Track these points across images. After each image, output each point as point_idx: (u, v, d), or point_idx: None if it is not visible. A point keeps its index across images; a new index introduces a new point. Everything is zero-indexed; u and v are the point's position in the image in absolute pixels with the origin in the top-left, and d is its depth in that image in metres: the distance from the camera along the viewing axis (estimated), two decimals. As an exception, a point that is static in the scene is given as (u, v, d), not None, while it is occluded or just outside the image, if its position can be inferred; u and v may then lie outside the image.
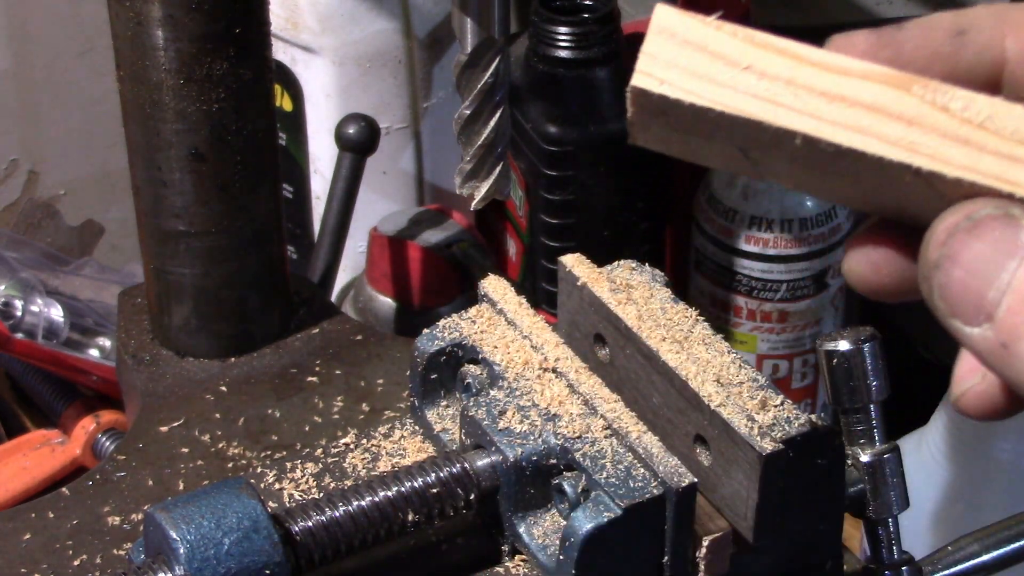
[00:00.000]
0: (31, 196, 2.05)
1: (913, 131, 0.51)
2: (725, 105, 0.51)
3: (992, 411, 0.57)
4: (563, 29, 1.29)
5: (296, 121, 1.51)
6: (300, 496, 0.84)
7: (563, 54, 1.29)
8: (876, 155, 0.50)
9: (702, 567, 0.74)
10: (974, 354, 0.50)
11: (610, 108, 1.30)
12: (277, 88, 1.36)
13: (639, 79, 0.51)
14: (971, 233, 0.49)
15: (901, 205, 0.54)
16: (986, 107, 0.51)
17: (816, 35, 1.70)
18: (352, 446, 0.85)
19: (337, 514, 0.78)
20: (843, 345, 0.77)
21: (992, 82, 0.55)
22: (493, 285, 0.86)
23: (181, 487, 0.95)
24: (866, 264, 0.55)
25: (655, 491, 0.72)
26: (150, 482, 0.96)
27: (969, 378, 0.58)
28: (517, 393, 0.78)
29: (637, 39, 1.36)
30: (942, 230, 0.50)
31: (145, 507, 0.86)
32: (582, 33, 1.29)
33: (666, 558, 0.73)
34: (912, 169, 0.50)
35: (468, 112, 1.10)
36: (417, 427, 0.85)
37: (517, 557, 0.80)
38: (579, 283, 0.82)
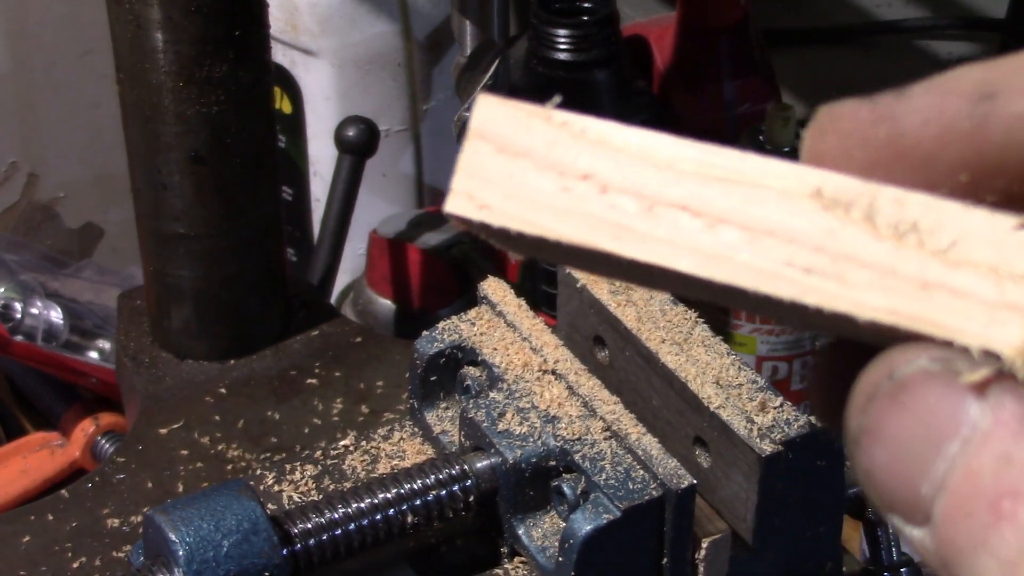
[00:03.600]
0: (31, 199, 2.06)
1: (816, 257, 0.38)
2: (560, 234, 0.39)
3: None
4: (562, 32, 1.30)
5: (295, 123, 1.52)
6: (299, 498, 0.84)
7: (562, 56, 1.30)
8: (762, 293, 0.38)
9: (701, 569, 0.74)
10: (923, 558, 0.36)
11: (609, 110, 1.30)
12: (276, 91, 1.37)
13: (452, 203, 0.40)
14: (895, 399, 0.36)
15: (840, 335, 0.42)
16: (914, 208, 0.38)
17: (815, 37, 1.67)
18: (351, 448, 0.85)
19: (336, 516, 0.78)
20: (842, 347, 0.77)
21: None
22: (493, 287, 0.87)
23: (180, 489, 0.96)
24: (828, 407, 0.42)
25: (654, 493, 0.72)
26: (149, 484, 0.96)
27: None
28: (516, 395, 0.78)
29: (636, 41, 1.37)
30: (860, 391, 0.36)
31: (144, 509, 0.86)
32: (581, 36, 1.29)
33: (665, 560, 0.74)
34: (811, 310, 0.38)
35: (468, 114, 1.09)
36: (416, 429, 0.85)
37: (516, 559, 0.80)
38: (578, 285, 0.82)
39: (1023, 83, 0.38)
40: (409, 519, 0.79)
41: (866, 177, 0.37)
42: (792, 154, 1.35)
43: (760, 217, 0.38)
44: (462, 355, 0.83)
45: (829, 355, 0.41)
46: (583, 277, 0.82)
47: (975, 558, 0.33)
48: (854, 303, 0.36)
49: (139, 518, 0.92)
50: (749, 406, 0.72)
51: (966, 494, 0.33)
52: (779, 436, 0.71)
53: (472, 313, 0.86)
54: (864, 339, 0.37)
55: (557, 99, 0.39)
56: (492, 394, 0.78)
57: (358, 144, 1.30)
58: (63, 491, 0.97)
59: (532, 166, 0.39)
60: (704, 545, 0.74)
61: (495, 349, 0.81)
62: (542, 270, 1.32)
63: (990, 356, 0.35)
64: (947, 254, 0.36)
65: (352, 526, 0.78)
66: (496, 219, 0.39)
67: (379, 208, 1.49)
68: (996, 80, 0.38)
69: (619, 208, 0.39)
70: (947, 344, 0.35)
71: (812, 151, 0.39)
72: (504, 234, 0.40)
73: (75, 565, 0.91)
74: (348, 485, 0.83)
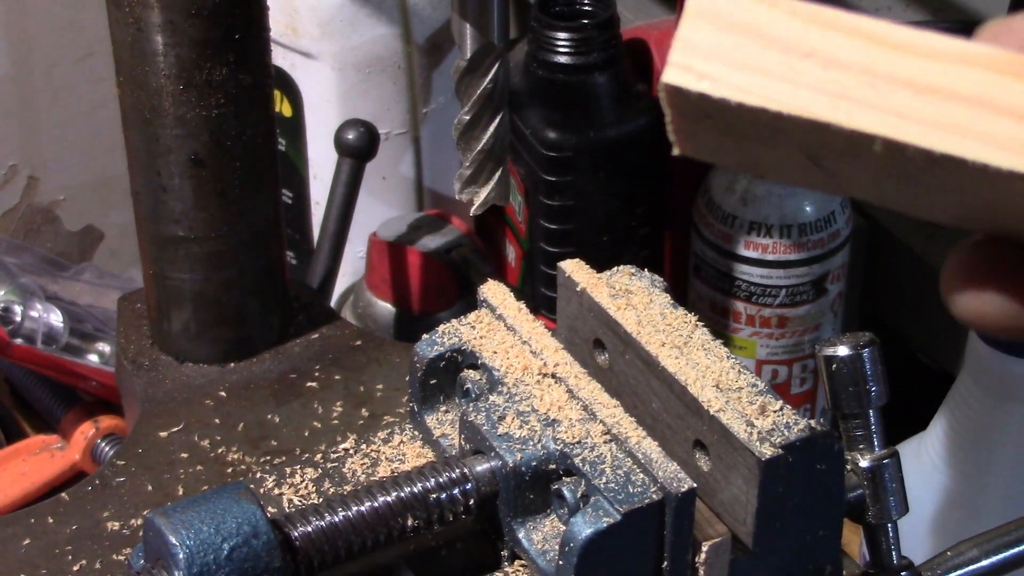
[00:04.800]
0: (30, 201, 2.06)
1: None
2: (782, 104, 0.41)
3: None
4: (562, 35, 1.30)
5: (295, 126, 1.52)
6: (300, 501, 0.84)
7: (562, 60, 1.30)
8: (979, 162, 0.39)
9: (701, 572, 0.74)
10: None
11: (609, 114, 1.31)
12: (276, 93, 1.37)
13: (672, 74, 0.41)
14: None
15: (1019, 222, 0.43)
16: None
17: None
18: (351, 451, 0.85)
19: (336, 519, 0.78)
20: (842, 350, 0.77)
21: None
22: (492, 290, 0.87)
23: (180, 492, 0.96)
24: (971, 309, 0.44)
25: (654, 496, 0.72)
26: (149, 487, 0.96)
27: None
28: (516, 398, 0.78)
29: (636, 45, 1.37)
30: None
31: (144, 512, 0.86)
32: (581, 39, 1.30)
33: (665, 563, 0.74)
34: None
35: (467, 117, 1.11)
36: (416, 432, 0.85)
37: (516, 562, 0.80)
38: (578, 288, 0.82)
39: None
40: (409, 522, 0.79)
41: None
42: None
43: (980, 94, 0.39)
44: (462, 358, 0.83)
45: (969, 273, 0.44)
46: (583, 281, 0.82)
47: None
48: None
49: (139, 521, 0.92)
50: (749, 410, 0.72)
51: None
52: (779, 440, 0.71)
53: (472, 316, 0.86)
54: None
55: None
56: (492, 397, 0.78)
57: (358, 147, 1.31)
58: (63, 494, 0.97)
59: (758, 43, 0.41)
60: (704, 548, 0.74)
61: (495, 352, 0.81)
62: (542, 273, 1.32)
63: None
64: None
65: (352, 529, 0.78)
66: (718, 89, 0.40)
67: (379, 211, 1.49)
68: None
69: (841, 82, 0.40)
70: None
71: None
72: (722, 105, 0.41)
73: (75, 568, 0.91)
74: (348, 488, 0.83)
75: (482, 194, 1.14)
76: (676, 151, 0.45)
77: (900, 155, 0.41)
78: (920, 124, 0.40)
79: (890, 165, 0.42)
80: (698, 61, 0.41)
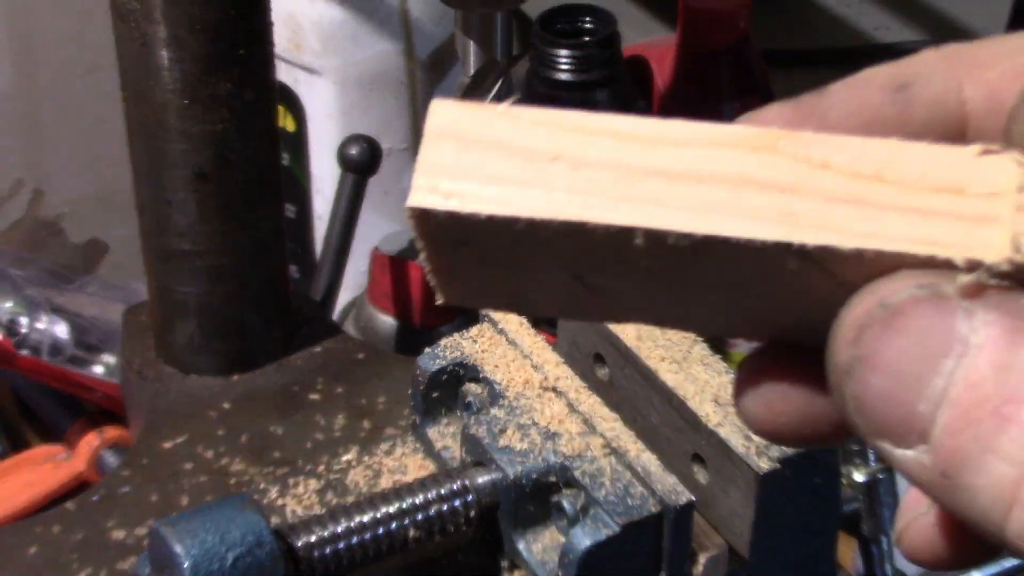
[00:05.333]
0: (35, 214, 2.04)
1: (787, 199, 0.38)
2: (534, 209, 0.38)
3: (941, 556, 0.44)
4: (564, 52, 1.30)
5: (299, 141, 1.51)
6: (303, 512, 0.85)
7: (564, 77, 1.30)
8: (743, 239, 0.37)
9: (699, 584, 0.75)
10: (911, 482, 0.37)
11: None
12: (280, 108, 1.36)
13: (418, 197, 0.39)
14: (889, 325, 0.37)
15: (795, 315, 0.41)
16: (879, 151, 0.38)
17: (814, 59, 1.67)
18: (354, 463, 0.86)
19: (339, 530, 0.78)
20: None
21: (953, 142, 0.40)
22: None
23: (185, 502, 0.96)
24: (761, 405, 0.43)
25: (653, 509, 0.72)
26: (154, 497, 0.96)
27: (915, 506, 0.45)
28: (517, 412, 0.78)
29: (637, 62, 1.37)
30: (851, 323, 0.37)
31: (149, 522, 0.86)
32: (582, 56, 1.30)
33: (663, 574, 0.74)
34: (794, 248, 0.37)
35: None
36: (418, 445, 0.85)
37: (516, 572, 0.81)
38: None
39: (933, 70, 0.42)
40: (411, 533, 0.79)
41: None
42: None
43: (731, 172, 0.38)
44: (464, 372, 0.83)
45: (756, 368, 0.43)
46: None
47: (983, 461, 0.34)
48: (843, 235, 0.37)
49: (144, 531, 0.92)
50: (747, 424, 0.73)
51: (969, 404, 0.35)
52: (776, 454, 0.71)
53: (474, 331, 0.86)
54: (814, 311, 0.39)
55: (514, 97, 0.40)
56: (493, 411, 0.79)
57: (360, 162, 1.31)
58: (68, 503, 0.96)
59: (499, 155, 0.39)
60: (702, 560, 0.74)
61: (496, 366, 0.82)
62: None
63: (974, 266, 0.36)
64: (914, 185, 0.37)
65: (355, 540, 0.78)
66: (467, 205, 0.38)
67: (381, 226, 1.48)
68: (907, 73, 0.42)
69: (593, 180, 0.38)
70: (930, 264, 0.36)
71: None
72: (473, 223, 0.38)
73: None
74: (351, 499, 0.83)
75: (484, 209, 1.11)
76: (439, 299, 0.43)
77: (664, 248, 0.39)
78: (679, 210, 0.38)
79: (656, 265, 0.39)
80: (444, 181, 0.39)
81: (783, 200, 0.38)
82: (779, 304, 0.41)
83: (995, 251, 0.36)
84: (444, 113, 0.40)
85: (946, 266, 0.37)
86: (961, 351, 0.35)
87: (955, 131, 0.42)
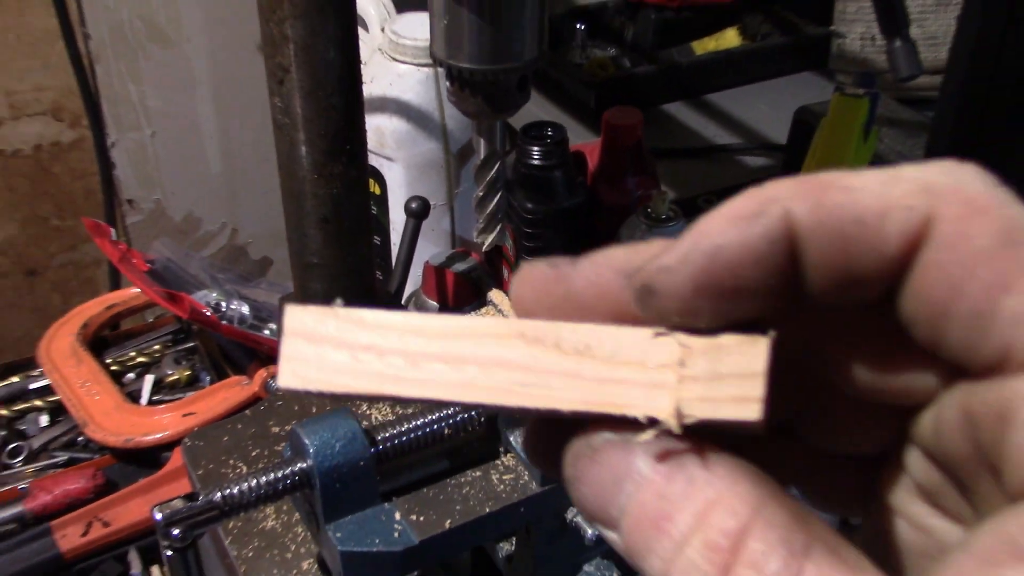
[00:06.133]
0: (232, 243, 2.43)
1: (528, 375, 0.42)
2: (350, 387, 0.42)
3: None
4: (535, 148, 1.50)
5: (382, 200, 1.67)
6: (381, 418, 0.94)
7: (535, 162, 1.50)
8: (495, 405, 0.42)
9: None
10: (616, 551, 0.42)
11: (562, 194, 1.50)
12: (371, 181, 1.60)
13: (283, 380, 0.43)
14: (592, 459, 0.42)
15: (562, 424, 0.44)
16: (585, 335, 0.42)
17: (680, 153, 1.97)
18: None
19: (402, 428, 0.87)
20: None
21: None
22: (496, 296, 1.00)
23: (313, 411, 1.04)
24: (539, 457, 0.47)
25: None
26: (295, 407, 1.05)
27: None
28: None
29: (578, 155, 1.59)
30: (570, 455, 0.43)
31: (293, 422, 0.95)
32: (546, 151, 1.50)
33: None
34: (531, 410, 0.42)
35: (480, 195, 1.23)
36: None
37: (508, 454, 0.91)
38: (506, 314, 0.93)
39: (649, 261, 0.43)
40: (446, 431, 0.88)
41: (551, 318, 0.44)
42: (667, 221, 1.43)
43: (488, 356, 0.43)
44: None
45: (539, 427, 0.47)
46: (505, 306, 0.96)
47: (648, 556, 0.40)
48: (559, 401, 0.42)
49: (289, 428, 0.95)
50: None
51: (638, 517, 0.41)
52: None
53: (483, 311, 1.01)
54: (569, 418, 0.43)
55: (340, 301, 0.44)
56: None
57: (418, 212, 1.46)
58: (247, 411, 1.05)
59: (331, 347, 0.43)
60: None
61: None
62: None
63: (651, 421, 0.41)
64: (611, 359, 0.42)
65: (411, 435, 0.87)
66: (314, 386, 0.43)
67: (430, 249, 1.62)
68: (635, 261, 0.44)
69: (394, 365, 0.43)
70: (623, 419, 0.41)
71: (515, 295, 0.46)
72: (321, 395, 0.43)
73: (253, 454, 1.00)
74: (410, 411, 0.90)
75: (489, 239, 1.26)
76: (283, 384, 0.45)
77: (446, 405, 0.45)
78: (451, 386, 0.42)
79: (446, 407, 0.40)
80: (298, 367, 0.43)
81: (523, 375, 0.42)
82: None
83: (666, 412, 0.41)
84: (295, 318, 0.44)
85: (634, 420, 0.41)
86: (638, 480, 0.41)
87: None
